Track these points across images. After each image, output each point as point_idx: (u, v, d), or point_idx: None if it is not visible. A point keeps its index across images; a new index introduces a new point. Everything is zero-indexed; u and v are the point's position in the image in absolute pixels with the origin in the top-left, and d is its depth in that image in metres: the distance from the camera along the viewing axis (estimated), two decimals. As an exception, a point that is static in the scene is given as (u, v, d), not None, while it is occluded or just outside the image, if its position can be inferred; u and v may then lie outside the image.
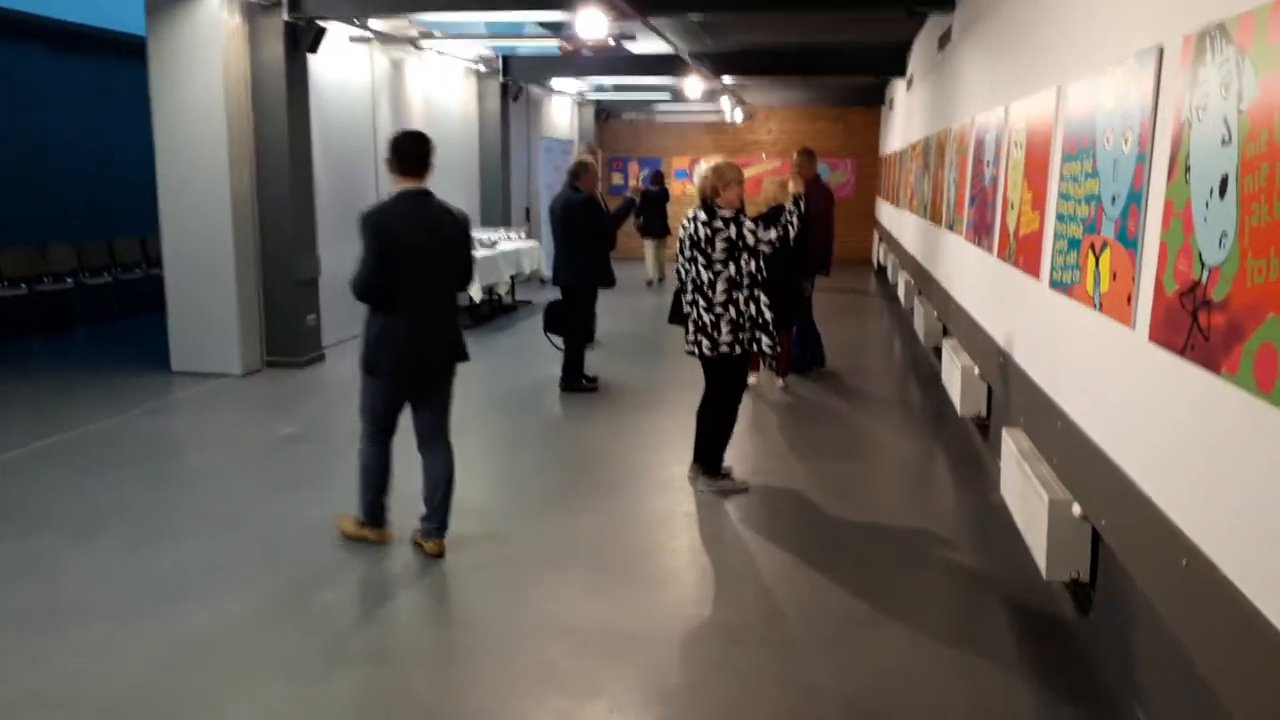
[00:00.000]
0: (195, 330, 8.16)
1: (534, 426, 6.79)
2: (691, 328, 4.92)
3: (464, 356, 4.33)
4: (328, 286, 8.92)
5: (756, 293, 4.91)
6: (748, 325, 4.88)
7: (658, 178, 14.74)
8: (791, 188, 5.19)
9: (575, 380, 7.58)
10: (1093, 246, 3.04)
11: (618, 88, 16.41)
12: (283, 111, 8.17)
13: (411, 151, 4.07)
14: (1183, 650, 2.21)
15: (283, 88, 8.15)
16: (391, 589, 4.08)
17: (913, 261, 9.44)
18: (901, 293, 10.63)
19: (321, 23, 8.40)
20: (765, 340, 4.95)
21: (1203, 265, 2.18)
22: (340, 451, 5.89)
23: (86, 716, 3.07)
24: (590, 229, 7.39)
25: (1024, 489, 3.86)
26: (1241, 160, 2.01)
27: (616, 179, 18.99)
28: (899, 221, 11.64)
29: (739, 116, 17.03)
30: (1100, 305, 2.95)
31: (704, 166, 5.00)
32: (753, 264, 4.88)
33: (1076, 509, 3.22)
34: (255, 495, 5.18)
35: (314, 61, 8.75)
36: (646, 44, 10.72)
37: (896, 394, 7.77)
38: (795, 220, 4.93)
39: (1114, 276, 2.82)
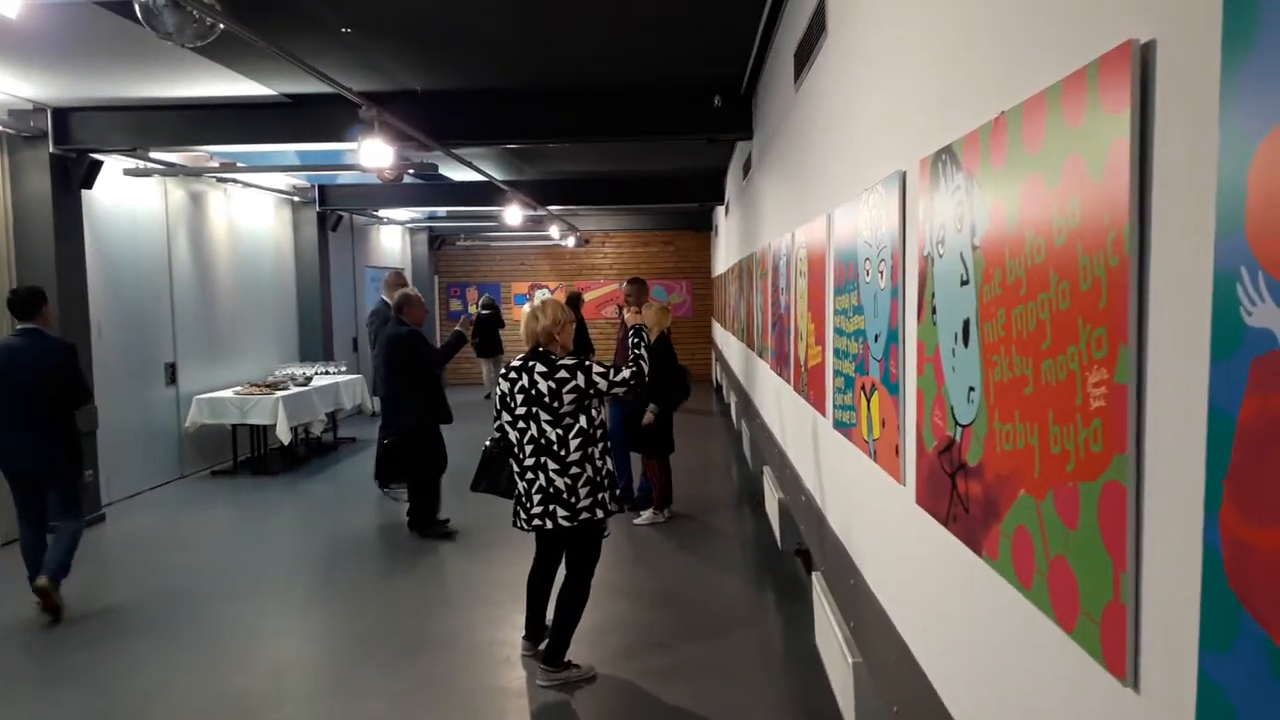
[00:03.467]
0: (-56, 496, 7.14)
1: (343, 583, 6.04)
2: (537, 497, 4.15)
3: (63, 460, 5.39)
4: (111, 438, 8.08)
5: (608, 445, 4.35)
6: (606, 484, 4.24)
7: (490, 303, 16.27)
8: (628, 318, 4.74)
9: (429, 523, 7.03)
10: (864, 388, 2.76)
11: (451, 215, 16.15)
12: (50, 253, 7.41)
13: (15, 304, 5.40)
14: None
15: (50, 227, 7.41)
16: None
17: (737, 383, 9.29)
18: (733, 413, 10.46)
19: (97, 155, 7.77)
20: (609, 497, 4.31)
21: (956, 422, 1.88)
22: (92, 635, 5.07)
23: None
24: (417, 364, 6.92)
25: (832, 645, 3.49)
26: (980, 303, 1.74)
27: (455, 305, 18.58)
28: (726, 342, 11.60)
29: (571, 242, 17.02)
30: (875, 455, 2.65)
31: (528, 310, 4.35)
32: (603, 413, 4.34)
33: (877, 681, 2.84)
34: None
35: (95, 196, 8.08)
36: (466, 173, 10.49)
37: (729, 523, 7.42)
38: (645, 353, 4.40)
39: (883, 423, 2.52)
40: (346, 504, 8.37)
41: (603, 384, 4.20)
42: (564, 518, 4.15)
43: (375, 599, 5.72)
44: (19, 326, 5.37)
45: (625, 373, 4.27)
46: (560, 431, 4.13)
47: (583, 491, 4.16)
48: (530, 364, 4.21)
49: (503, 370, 4.36)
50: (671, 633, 5.03)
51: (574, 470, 4.14)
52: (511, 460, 4.30)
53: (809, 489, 4.21)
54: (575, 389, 4.14)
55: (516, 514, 4.31)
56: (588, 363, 4.23)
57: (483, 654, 4.76)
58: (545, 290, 18.36)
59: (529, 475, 4.19)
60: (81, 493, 5.83)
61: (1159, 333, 1.18)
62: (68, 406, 5.43)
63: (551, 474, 4.14)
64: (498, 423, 4.35)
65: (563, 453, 4.13)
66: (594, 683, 4.37)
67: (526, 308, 4.43)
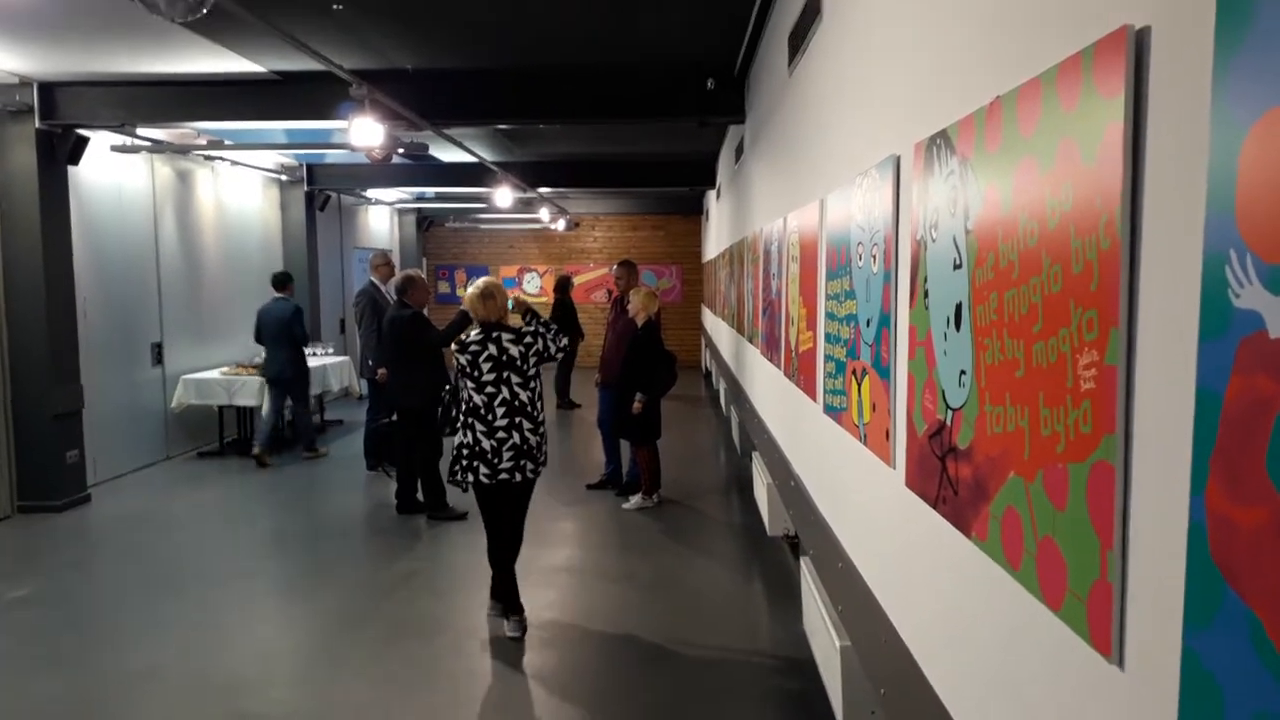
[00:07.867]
0: (-73, 474, 7.15)
1: (330, 565, 6.04)
2: (508, 454, 4.51)
3: (294, 373, 9.15)
4: (96, 418, 8.05)
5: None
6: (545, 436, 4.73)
7: None
8: (512, 307, 4.93)
9: (441, 506, 7.07)
10: (854, 372, 2.78)
11: (440, 196, 16.09)
12: (36, 228, 7.35)
13: (275, 281, 9.33)
14: None
15: (35, 203, 7.35)
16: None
17: (727, 369, 9.31)
18: (722, 400, 10.49)
19: (84, 131, 7.70)
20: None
21: (947, 405, 1.90)
22: (77, 618, 5.07)
23: None
24: (420, 345, 6.94)
25: (820, 628, 3.53)
26: (973, 288, 1.75)
27: (443, 287, 18.54)
28: (716, 328, 11.62)
29: (561, 225, 16.98)
30: (865, 438, 2.67)
31: (475, 291, 4.69)
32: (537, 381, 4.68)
33: (863, 662, 2.87)
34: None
35: (82, 173, 8.01)
36: (456, 153, 10.45)
37: (717, 509, 7.46)
38: (539, 326, 4.76)
39: (873, 407, 2.54)
40: (334, 486, 8.37)
41: (553, 347, 4.69)
42: (531, 470, 4.59)
43: (362, 582, 5.73)
44: (276, 295, 9.19)
45: (564, 340, 4.78)
46: (529, 394, 4.56)
47: (544, 446, 4.68)
48: (495, 335, 4.57)
49: (457, 347, 4.63)
50: (659, 617, 5.07)
51: (541, 429, 4.63)
52: (475, 421, 4.54)
53: (798, 474, 4.24)
54: (537, 352, 4.61)
55: (473, 469, 4.53)
56: (542, 329, 4.68)
57: (468, 639, 4.78)
58: (534, 273, 18.37)
59: (499, 434, 4.51)
60: (309, 396, 9.53)
61: (1149, 314, 1.19)
62: (296, 343, 9.06)
63: (526, 432, 4.54)
64: (465, 393, 4.59)
65: (533, 412, 4.61)
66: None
67: (471, 289, 4.77)
